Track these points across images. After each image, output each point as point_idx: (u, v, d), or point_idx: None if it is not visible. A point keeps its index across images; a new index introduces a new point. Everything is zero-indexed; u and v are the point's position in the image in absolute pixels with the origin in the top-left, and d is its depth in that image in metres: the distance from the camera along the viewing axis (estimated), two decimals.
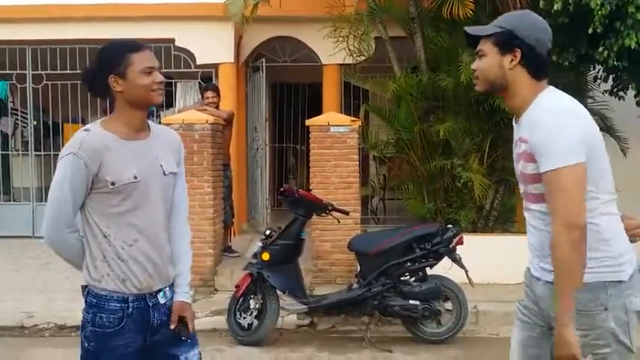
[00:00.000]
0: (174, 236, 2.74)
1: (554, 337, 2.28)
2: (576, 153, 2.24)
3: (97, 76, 2.57)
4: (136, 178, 2.53)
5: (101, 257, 2.54)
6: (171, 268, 2.71)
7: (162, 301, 2.64)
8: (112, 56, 2.55)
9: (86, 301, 2.60)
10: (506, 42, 2.42)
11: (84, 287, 2.62)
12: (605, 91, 7.98)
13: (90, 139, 2.51)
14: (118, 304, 2.55)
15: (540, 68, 2.43)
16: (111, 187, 2.50)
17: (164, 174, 2.64)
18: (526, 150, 2.37)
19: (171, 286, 2.72)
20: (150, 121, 2.70)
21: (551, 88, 2.44)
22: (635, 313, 2.34)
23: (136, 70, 2.53)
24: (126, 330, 2.55)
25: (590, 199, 2.30)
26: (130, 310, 2.56)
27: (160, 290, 2.64)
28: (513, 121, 2.56)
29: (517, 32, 2.40)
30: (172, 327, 2.67)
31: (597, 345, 2.30)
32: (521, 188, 2.52)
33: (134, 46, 2.58)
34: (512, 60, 2.41)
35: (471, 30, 2.55)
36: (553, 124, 2.28)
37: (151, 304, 2.61)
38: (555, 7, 6.53)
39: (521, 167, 2.46)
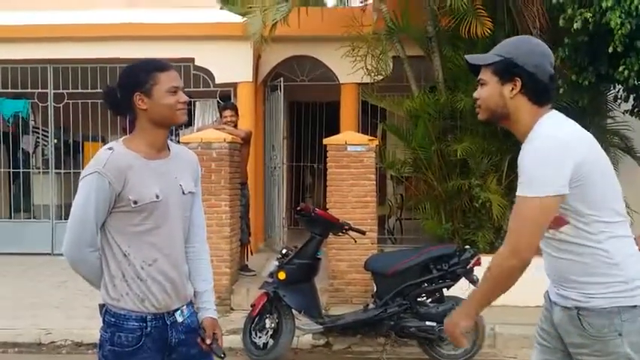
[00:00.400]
0: (194, 255, 2.75)
1: (447, 319, 2.43)
2: (552, 184, 2.22)
3: (121, 93, 2.59)
4: (157, 197, 2.54)
5: (120, 276, 2.55)
6: (189, 286, 2.71)
7: (179, 319, 2.64)
8: (139, 74, 2.56)
9: (104, 320, 2.60)
10: (506, 71, 2.40)
11: (101, 306, 2.62)
12: (626, 111, 7.89)
13: (114, 158, 2.51)
14: (136, 324, 2.55)
15: (542, 95, 2.41)
16: (133, 206, 2.50)
17: (183, 193, 2.65)
18: None
19: (189, 304, 2.71)
20: (169, 141, 2.71)
21: (553, 113, 2.41)
22: None
23: (162, 90, 2.54)
24: (144, 349, 2.55)
25: (591, 222, 2.28)
26: (149, 329, 2.56)
27: (177, 309, 2.64)
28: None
29: (516, 60, 2.38)
30: (208, 342, 2.67)
31: None
32: None
33: (161, 65, 2.60)
34: (512, 89, 2.39)
35: (471, 59, 2.54)
36: (537, 151, 2.26)
37: (169, 323, 2.61)
38: (575, 26, 6.50)
39: None
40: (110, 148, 2.56)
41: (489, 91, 2.45)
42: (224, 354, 2.73)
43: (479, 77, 2.49)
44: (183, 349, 2.65)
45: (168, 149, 2.68)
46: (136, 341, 2.54)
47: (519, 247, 2.24)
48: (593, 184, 2.28)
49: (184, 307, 2.67)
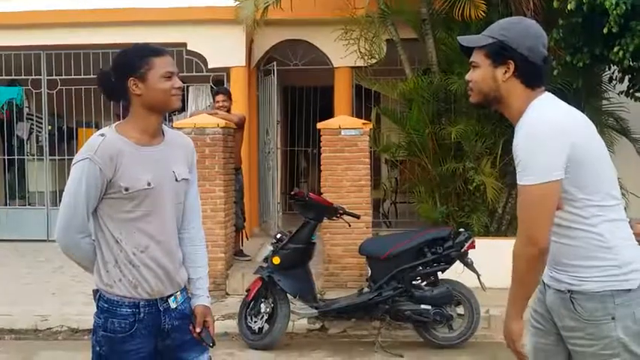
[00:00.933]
0: (189, 241, 2.75)
1: (504, 325, 2.43)
2: (548, 170, 2.20)
3: (115, 77, 2.57)
4: (149, 184, 2.52)
5: (113, 262, 2.54)
6: (183, 272, 2.70)
7: (173, 305, 2.64)
8: (134, 59, 2.55)
9: (98, 306, 2.60)
10: (499, 54, 2.36)
11: (95, 292, 2.62)
12: (621, 92, 7.88)
13: (106, 144, 2.50)
14: (129, 309, 2.55)
15: (535, 77, 2.37)
16: (125, 192, 2.49)
17: (176, 180, 2.64)
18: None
19: (183, 290, 2.71)
20: (164, 126, 2.70)
21: (545, 95, 2.38)
22: None
23: (157, 75, 2.53)
24: (137, 335, 2.55)
25: (585, 206, 2.27)
26: (142, 315, 2.56)
27: (170, 295, 2.64)
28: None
29: (509, 43, 2.34)
30: (198, 330, 2.67)
31: (605, 355, 2.27)
32: None
33: (156, 50, 2.59)
34: (505, 72, 2.36)
35: (463, 40, 2.49)
36: (530, 137, 2.25)
37: (162, 309, 2.61)
38: (569, 7, 6.47)
39: None
40: (102, 134, 2.54)
41: (482, 74, 2.41)
42: (214, 342, 2.72)
43: (471, 59, 2.46)
44: (176, 335, 2.65)
45: (163, 135, 2.66)
46: (129, 327, 2.54)
47: (533, 235, 2.24)
48: (587, 167, 2.26)
49: (178, 293, 2.67)
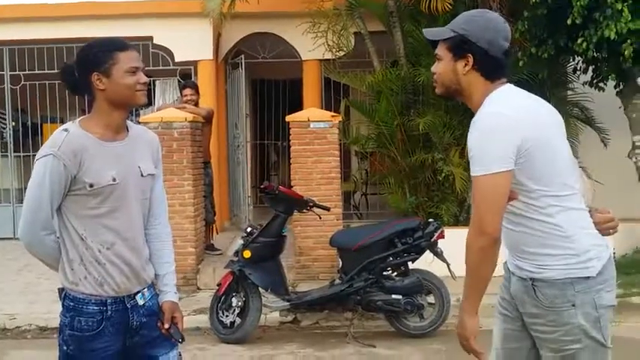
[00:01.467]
0: (155, 237, 2.71)
1: (458, 321, 2.42)
2: (500, 161, 2.22)
3: (79, 72, 2.52)
4: (114, 180, 2.48)
5: (78, 260, 2.50)
6: (150, 269, 2.67)
7: (140, 302, 2.60)
8: (98, 53, 2.49)
9: (64, 305, 2.55)
10: (459, 47, 2.38)
11: (60, 290, 2.58)
12: (585, 82, 8.00)
13: (70, 139, 2.45)
14: (96, 307, 2.51)
15: (495, 70, 2.39)
16: (89, 189, 2.45)
17: (142, 175, 2.60)
18: None
19: (150, 286, 2.68)
20: (128, 122, 2.65)
21: (503, 88, 2.39)
22: (609, 307, 2.34)
23: (122, 70, 2.48)
24: (105, 333, 2.51)
25: (540, 197, 2.29)
26: (109, 312, 2.52)
27: (138, 292, 2.60)
28: None
29: (469, 36, 2.35)
30: (166, 327, 2.64)
31: (566, 341, 2.31)
32: None
33: (121, 44, 2.54)
34: (465, 65, 2.38)
35: (428, 33, 2.51)
36: (480, 130, 2.27)
37: (129, 306, 2.57)
38: None
39: None
40: (66, 130, 2.49)
41: (444, 67, 2.43)
42: (183, 338, 2.70)
43: (435, 52, 2.47)
44: (145, 332, 2.62)
45: (127, 130, 2.62)
46: (97, 325, 2.50)
47: (482, 225, 2.26)
48: (540, 159, 2.28)
49: (145, 289, 2.64)
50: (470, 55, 2.36)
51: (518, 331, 2.50)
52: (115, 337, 2.54)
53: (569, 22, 6.51)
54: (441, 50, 2.44)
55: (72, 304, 2.52)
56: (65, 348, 2.53)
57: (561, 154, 2.35)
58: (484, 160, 2.24)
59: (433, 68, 2.50)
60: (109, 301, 2.52)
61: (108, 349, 2.53)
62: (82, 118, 2.59)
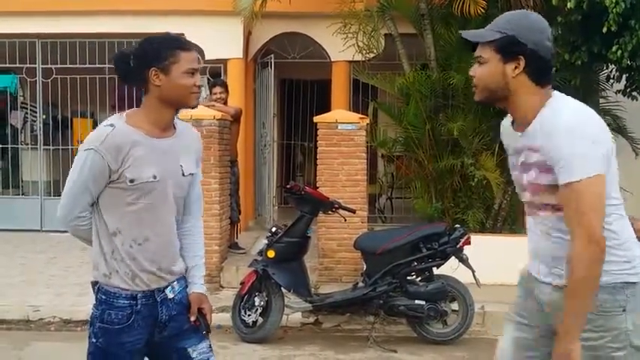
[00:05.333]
0: (188, 232, 2.73)
1: (556, 349, 2.21)
2: (597, 164, 2.16)
3: (135, 64, 2.51)
4: (155, 177, 2.49)
5: (110, 253, 2.52)
6: (180, 263, 2.68)
7: (170, 295, 2.62)
8: (160, 49, 2.49)
9: (96, 298, 2.58)
10: (508, 49, 2.27)
11: (94, 283, 2.60)
12: (618, 91, 7.87)
13: (114, 134, 2.45)
14: (126, 301, 2.53)
15: (544, 74, 2.31)
16: (129, 184, 2.46)
17: (183, 175, 2.61)
18: (542, 160, 2.26)
19: (180, 279, 2.69)
20: (176, 118, 2.64)
21: (560, 94, 2.33)
22: None
23: (181, 69, 2.48)
24: (134, 327, 2.54)
25: (606, 205, 2.23)
26: (139, 306, 2.54)
27: (167, 285, 2.62)
28: (509, 128, 2.47)
29: (519, 37, 2.26)
30: (192, 319, 2.66)
31: (612, 348, 2.25)
32: (527, 197, 2.41)
33: (184, 43, 2.54)
34: (515, 67, 2.28)
35: (468, 35, 2.40)
36: (575, 135, 2.16)
37: (159, 300, 2.59)
38: (569, 5, 6.44)
39: (531, 178, 2.34)
40: (111, 125, 2.48)
41: (490, 70, 2.31)
42: (209, 330, 2.71)
43: (477, 54, 2.35)
44: (174, 324, 2.64)
45: (174, 127, 2.62)
46: (126, 319, 2.52)
47: (593, 234, 2.15)
48: (612, 165, 2.25)
49: (175, 282, 2.65)
50: (521, 56, 2.27)
51: (533, 340, 2.45)
52: (144, 331, 2.57)
53: (604, 29, 6.39)
54: (485, 52, 2.33)
55: (104, 297, 2.55)
56: (95, 340, 2.56)
57: (615, 161, 2.31)
58: (586, 164, 2.15)
59: (473, 72, 2.39)
60: (139, 295, 2.54)
61: (137, 342, 2.56)
62: (128, 112, 2.59)
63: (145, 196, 2.49)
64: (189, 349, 2.66)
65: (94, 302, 2.59)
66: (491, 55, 2.31)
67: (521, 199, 2.49)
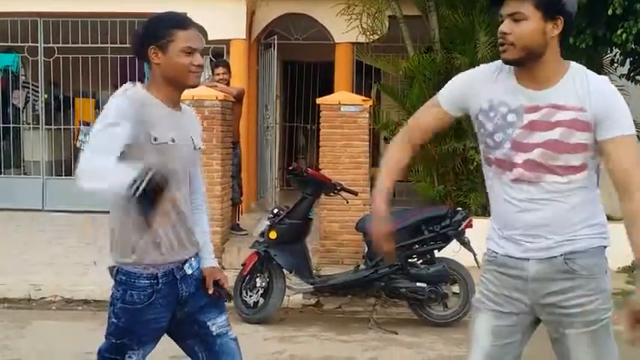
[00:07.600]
0: (195, 207, 2.77)
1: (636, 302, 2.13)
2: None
3: (140, 42, 2.55)
4: (173, 140, 2.52)
5: (130, 224, 2.50)
6: (194, 236, 2.71)
7: (189, 272, 2.65)
8: (157, 28, 2.51)
9: (116, 280, 2.59)
10: (551, 7, 2.19)
11: (112, 268, 2.60)
12: (622, 75, 7.84)
13: (136, 91, 2.49)
14: (147, 281, 2.54)
15: (566, 38, 2.31)
16: (153, 142, 2.46)
17: (195, 148, 2.66)
18: (576, 118, 2.22)
19: (196, 255, 2.72)
20: None
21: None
22: None
23: (177, 48, 2.48)
24: (156, 305, 2.56)
25: (598, 167, 2.34)
26: (160, 285, 2.56)
27: (186, 261, 2.64)
28: (504, 82, 2.35)
29: None
30: (210, 292, 2.69)
31: (603, 310, 2.31)
32: (528, 161, 2.29)
33: (181, 21, 2.54)
34: (554, 27, 2.22)
35: None
36: (620, 96, 2.26)
37: (179, 277, 2.61)
38: None
39: (555, 136, 2.25)
40: (128, 88, 2.50)
41: (530, 27, 2.19)
42: (230, 296, 2.83)
43: (514, 10, 2.21)
44: (194, 300, 2.67)
45: (180, 107, 2.67)
46: (147, 298, 2.54)
47: None
48: None
49: (192, 258, 2.68)
50: (561, 17, 2.22)
51: (512, 326, 2.42)
52: (166, 309, 2.59)
53: (609, 12, 6.35)
54: (525, 8, 2.19)
55: (124, 277, 2.55)
56: (116, 320, 2.57)
57: None
58: (631, 121, 2.24)
59: (507, 28, 2.24)
60: (159, 274, 2.55)
61: (159, 320, 2.58)
62: (143, 84, 2.61)
63: (164, 159, 2.47)
64: (209, 323, 2.70)
65: (114, 283, 2.59)
66: (532, 12, 2.20)
67: (501, 167, 2.36)
